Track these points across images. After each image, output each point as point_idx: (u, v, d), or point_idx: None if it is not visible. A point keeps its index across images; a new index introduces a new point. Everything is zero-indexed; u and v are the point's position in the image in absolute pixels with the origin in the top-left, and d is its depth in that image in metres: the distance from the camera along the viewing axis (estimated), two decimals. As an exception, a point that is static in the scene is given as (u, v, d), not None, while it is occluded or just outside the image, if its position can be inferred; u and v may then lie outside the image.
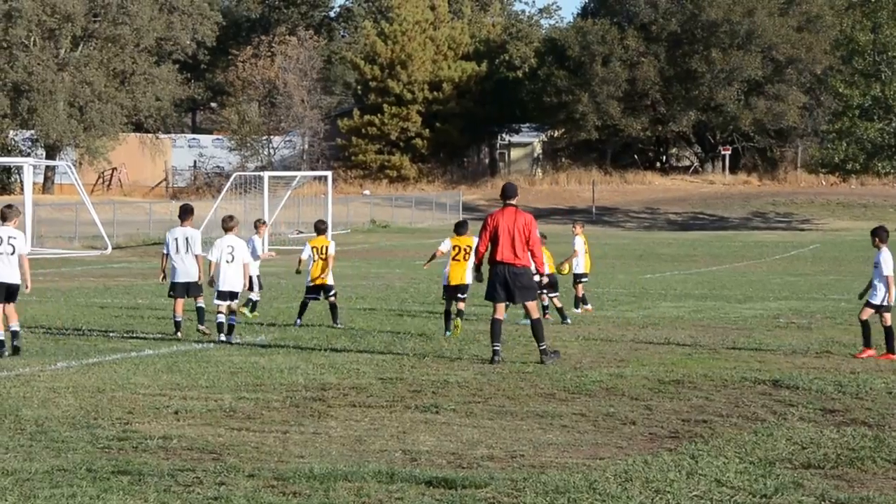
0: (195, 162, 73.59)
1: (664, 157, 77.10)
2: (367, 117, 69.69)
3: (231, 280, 14.35)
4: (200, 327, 14.83)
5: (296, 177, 45.93)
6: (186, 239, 14.81)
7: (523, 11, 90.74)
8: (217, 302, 14.36)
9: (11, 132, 64.93)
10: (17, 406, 9.61)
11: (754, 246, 43.46)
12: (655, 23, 68.12)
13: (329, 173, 44.77)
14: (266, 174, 39.46)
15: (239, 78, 71.25)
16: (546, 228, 60.71)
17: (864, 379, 11.34)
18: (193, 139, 78.20)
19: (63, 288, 22.90)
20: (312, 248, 16.16)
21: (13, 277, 12.76)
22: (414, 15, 71.04)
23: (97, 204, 41.50)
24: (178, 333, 14.62)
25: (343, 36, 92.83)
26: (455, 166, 73.50)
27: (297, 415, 9.41)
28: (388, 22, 72.75)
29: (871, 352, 13.03)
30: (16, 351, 12.70)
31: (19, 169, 54.74)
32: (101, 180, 68.60)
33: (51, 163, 59.26)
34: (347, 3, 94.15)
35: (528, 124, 75.75)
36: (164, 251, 15.05)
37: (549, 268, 17.09)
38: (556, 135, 74.40)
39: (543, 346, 12.30)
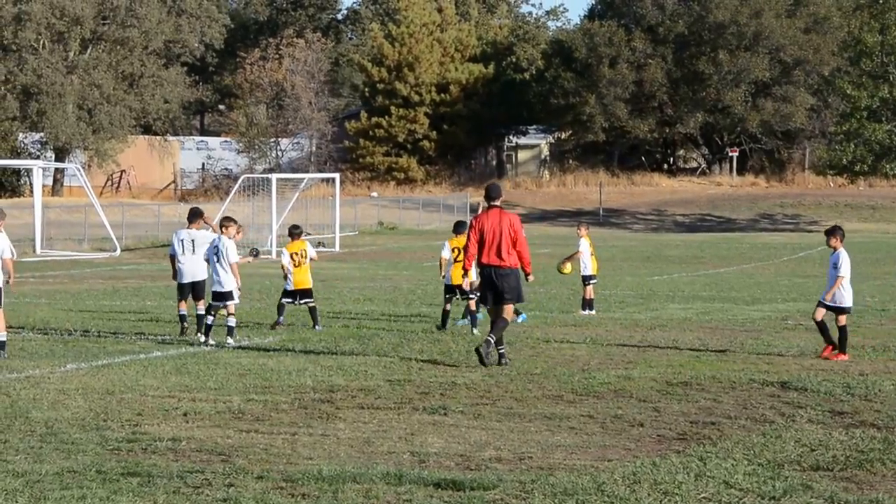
0: (203, 164, 73.72)
1: (671, 159, 77.03)
2: (374, 119, 69.76)
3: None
4: (204, 338, 14.72)
5: (304, 179, 45.99)
6: (193, 241, 14.95)
7: (530, 13, 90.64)
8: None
9: (21, 135, 65.12)
10: (27, 408, 9.64)
11: (762, 248, 43.38)
12: (662, 24, 68.07)
13: (337, 175, 44.83)
14: (274, 176, 39.52)
15: (247, 80, 71.38)
16: (553, 230, 60.10)
17: (872, 381, 11.32)
18: (202, 141, 78.35)
19: (72, 290, 22.96)
20: (291, 253, 16.09)
21: None
22: (421, 17, 71.10)
23: (106, 206, 41.60)
24: (185, 324, 14.92)
25: (350, 38, 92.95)
26: (462, 168, 73.52)
27: (305, 417, 9.43)
28: (395, 24, 72.82)
29: (832, 348, 13.05)
30: None
31: (29, 171, 54.92)
32: (109, 182, 68.76)
33: (60, 165, 59.47)
34: (355, 5, 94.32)
35: (535, 126, 75.74)
36: (171, 252, 15.13)
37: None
38: (563, 136, 74.37)
39: (491, 339, 12.20)
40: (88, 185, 40.63)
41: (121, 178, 69.28)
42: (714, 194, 66.95)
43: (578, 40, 68.23)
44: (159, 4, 66.30)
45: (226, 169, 71.48)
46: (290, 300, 16.11)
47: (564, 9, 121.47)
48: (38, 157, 61.89)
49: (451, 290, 15.60)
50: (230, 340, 14.01)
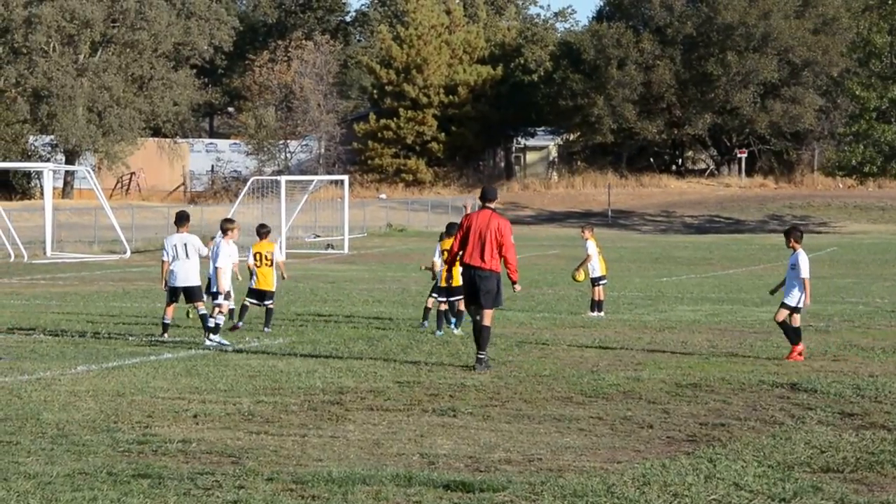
0: (213, 166, 73.87)
1: (680, 160, 76.91)
2: (382, 121, 69.80)
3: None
4: (211, 338, 14.76)
5: (312, 181, 46.05)
6: (185, 245, 15.04)
7: (538, 15, 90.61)
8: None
9: (31, 137, 65.33)
10: (38, 410, 9.68)
11: (771, 249, 43.27)
12: (671, 26, 67.99)
13: (345, 177, 44.87)
14: (283, 178, 39.58)
15: (256, 83, 71.50)
16: (562, 232, 60.08)
17: (882, 382, 11.30)
18: (211, 144, 78.50)
19: (82, 292, 23.02)
20: (255, 253, 16.03)
21: None
22: (429, 19, 71.13)
23: (116, 208, 41.71)
24: (165, 335, 14.85)
25: (359, 40, 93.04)
26: (471, 170, 73.51)
27: (315, 418, 9.44)
28: (403, 26, 72.87)
29: (801, 346, 13.00)
30: None
31: (39, 174, 55.07)
32: (119, 185, 68.94)
33: (70, 168, 59.61)
34: (363, 7, 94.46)
35: (543, 128, 75.70)
36: (164, 258, 15.20)
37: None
38: (571, 138, 74.31)
39: (482, 356, 12.10)
40: (98, 187, 40.75)
41: (130, 180, 69.47)
42: (723, 196, 66.82)
43: (587, 42, 68.19)
44: (168, 7, 66.46)
45: (235, 171, 71.59)
46: (254, 300, 16.06)
47: (572, 10, 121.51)
48: (48, 160, 62.07)
49: (439, 290, 15.61)
50: (211, 338, 14.02)
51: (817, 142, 70.64)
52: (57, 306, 19.32)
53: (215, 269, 14.90)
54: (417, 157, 70.15)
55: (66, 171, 61.44)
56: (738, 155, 70.71)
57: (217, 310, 14.65)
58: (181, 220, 15.35)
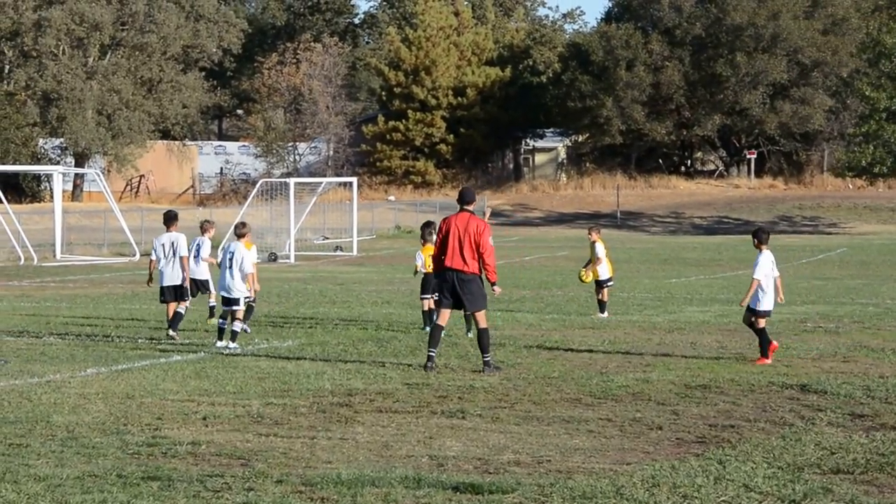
0: (221, 169, 74.01)
1: (689, 162, 76.79)
2: (391, 123, 69.85)
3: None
4: (171, 333, 14.90)
5: (321, 183, 46.09)
6: (172, 244, 15.20)
7: (547, 16, 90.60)
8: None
9: (41, 140, 65.55)
10: (48, 412, 9.71)
11: (780, 250, 43.10)
12: (680, 27, 67.90)
13: (354, 179, 44.89)
14: (292, 180, 39.62)
15: (264, 85, 71.62)
16: (571, 233, 60.14)
17: (893, 383, 11.26)
18: (220, 146, 78.64)
19: (92, 294, 23.09)
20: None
21: None
22: (438, 21, 71.16)
23: (125, 211, 41.82)
24: (171, 333, 15.00)
25: (367, 42, 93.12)
26: (479, 172, 73.50)
27: (324, 420, 9.45)
28: (412, 28, 72.91)
29: (774, 344, 13.00)
30: None
31: (49, 177, 55.26)
32: (128, 187, 69.12)
33: (80, 170, 59.80)
34: (371, 9, 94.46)
35: (552, 129, 75.65)
36: (152, 257, 15.46)
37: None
38: (580, 139, 74.25)
39: (487, 358, 12.10)
40: (108, 190, 40.85)
41: (140, 182, 69.63)
42: (732, 196, 66.69)
43: (595, 43, 68.13)
44: (177, 10, 66.61)
45: (244, 173, 71.71)
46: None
47: (581, 11, 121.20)
48: (58, 163, 62.24)
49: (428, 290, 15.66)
50: (233, 345, 13.99)
51: (827, 143, 70.44)
52: (66, 309, 19.36)
53: (242, 273, 14.59)
54: (426, 158, 70.17)
55: (76, 174, 61.63)
56: (748, 156, 70.57)
57: (232, 316, 14.45)
58: (169, 219, 15.60)
